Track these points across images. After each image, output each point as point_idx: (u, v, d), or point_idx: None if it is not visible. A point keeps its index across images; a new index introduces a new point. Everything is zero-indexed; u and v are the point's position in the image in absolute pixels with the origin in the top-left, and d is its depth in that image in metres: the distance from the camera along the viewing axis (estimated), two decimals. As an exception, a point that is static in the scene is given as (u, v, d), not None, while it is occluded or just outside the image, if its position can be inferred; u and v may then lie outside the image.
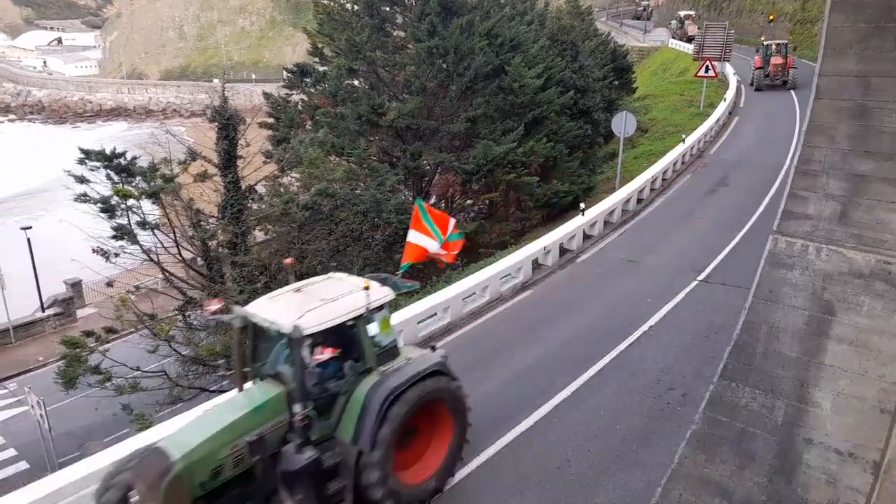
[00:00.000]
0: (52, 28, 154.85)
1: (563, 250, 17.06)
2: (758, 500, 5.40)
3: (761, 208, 19.36)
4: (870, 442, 4.97)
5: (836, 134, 5.33)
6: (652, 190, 21.85)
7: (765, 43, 40.56)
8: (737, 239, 17.19)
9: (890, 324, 4.98)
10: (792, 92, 37.77)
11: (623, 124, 22.07)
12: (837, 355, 5.20)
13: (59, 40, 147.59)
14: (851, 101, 5.23)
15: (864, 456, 4.99)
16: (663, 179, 22.89)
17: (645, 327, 12.83)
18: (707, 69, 33.49)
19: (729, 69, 42.08)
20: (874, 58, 5.04)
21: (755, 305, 5.70)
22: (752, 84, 40.17)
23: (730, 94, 35.20)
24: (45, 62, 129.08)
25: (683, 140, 25.12)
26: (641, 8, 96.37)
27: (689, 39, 54.65)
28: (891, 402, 4.92)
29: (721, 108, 32.02)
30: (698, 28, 52.44)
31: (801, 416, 5.32)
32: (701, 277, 15.01)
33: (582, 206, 18.33)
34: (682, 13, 68.03)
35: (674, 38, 63.47)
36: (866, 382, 5.03)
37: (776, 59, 39.07)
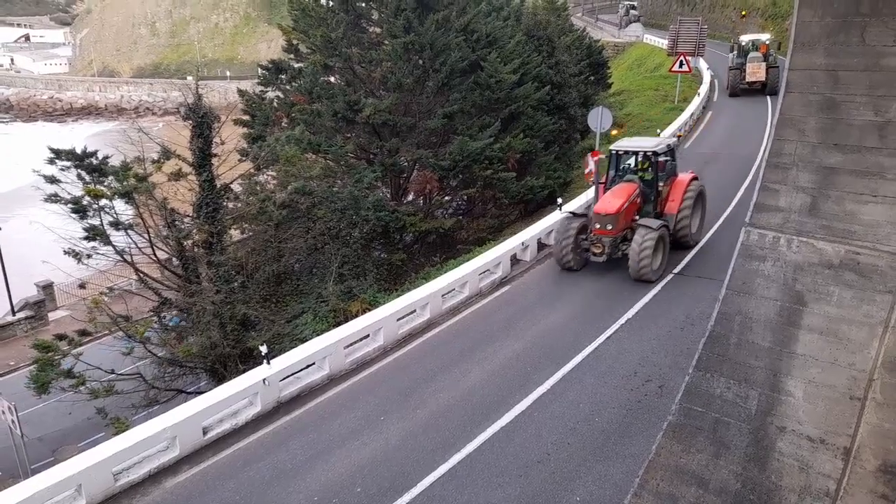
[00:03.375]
0: (19, 25, 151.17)
1: (541, 245, 17.13)
2: (733, 487, 5.49)
3: (735, 201, 19.62)
4: (840, 428, 5.08)
5: (805, 127, 5.41)
6: (628, 184, 22.00)
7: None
8: (711, 232, 17.41)
9: (859, 313, 5.09)
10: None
11: (599, 119, 22.15)
12: (809, 344, 5.29)
13: (27, 37, 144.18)
14: (820, 95, 5.32)
15: (834, 442, 5.09)
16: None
17: (622, 320, 12.95)
18: (681, 64, 33.80)
19: (703, 64, 42.57)
20: (842, 52, 5.13)
21: (728, 297, 5.78)
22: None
23: (704, 89, 35.60)
24: (12, 60, 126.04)
25: (658, 135, 25.35)
26: (632, 8, 79.93)
27: (751, 85, 34.57)
28: (860, 390, 5.02)
29: (695, 103, 32.37)
30: (771, 66, 33.97)
31: (773, 404, 5.41)
32: (676, 270, 15.18)
33: (559, 201, 18.41)
34: (746, 38, 37.28)
35: (734, 79, 35.43)
36: (836, 370, 5.14)
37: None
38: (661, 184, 15.62)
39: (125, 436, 9.44)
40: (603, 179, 16.38)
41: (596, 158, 18.06)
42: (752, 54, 34.73)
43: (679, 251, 16.02)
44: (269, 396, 10.81)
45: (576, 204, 17.84)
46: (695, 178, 16.40)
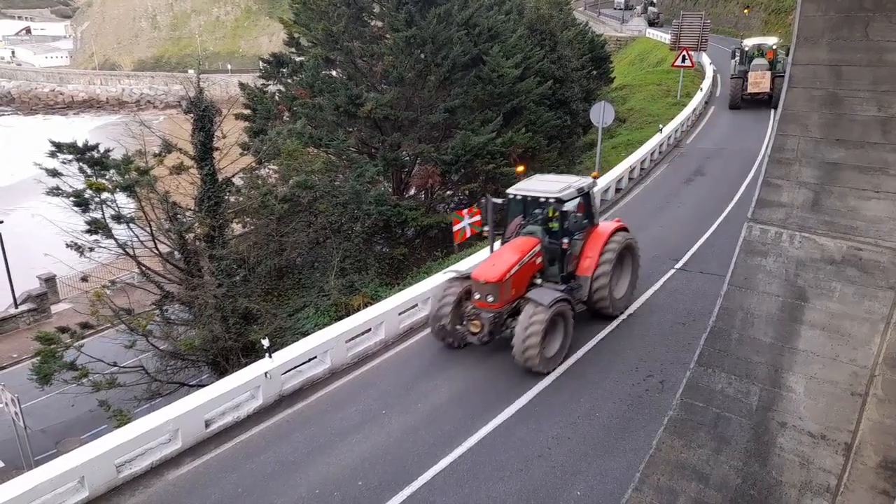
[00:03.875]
0: (20, 17, 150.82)
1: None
2: (733, 482, 5.50)
3: (737, 197, 19.61)
4: (841, 424, 5.08)
5: (808, 122, 5.40)
6: (630, 179, 22.01)
7: None
8: (713, 227, 17.39)
9: (861, 309, 5.08)
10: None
11: (601, 114, 22.14)
12: (810, 340, 5.29)
13: (28, 30, 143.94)
14: (823, 90, 5.30)
15: (835, 438, 5.10)
16: (641, 169, 23.07)
17: (624, 315, 12.95)
18: (684, 59, 33.69)
19: (705, 59, 42.44)
20: (845, 47, 5.11)
21: (730, 292, 5.78)
22: None
23: (706, 84, 35.49)
24: (13, 52, 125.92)
25: (661, 130, 25.30)
26: (651, 5, 77.43)
27: (754, 96, 31.22)
28: (861, 385, 5.02)
29: (698, 98, 32.28)
30: (778, 75, 29.85)
31: (775, 400, 5.41)
32: (679, 266, 15.18)
33: (561, 196, 18.32)
34: (750, 42, 34.17)
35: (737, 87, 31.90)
36: (838, 366, 5.14)
37: None
38: (566, 240, 11.78)
39: (128, 428, 9.47)
40: (501, 231, 12.72)
41: (476, 218, 14.72)
42: (756, 61, 31.28)
43: (678, 249, 16.01)
44: (270, 390, 10.84)
45: None
46: (621, 229, 12.75)
